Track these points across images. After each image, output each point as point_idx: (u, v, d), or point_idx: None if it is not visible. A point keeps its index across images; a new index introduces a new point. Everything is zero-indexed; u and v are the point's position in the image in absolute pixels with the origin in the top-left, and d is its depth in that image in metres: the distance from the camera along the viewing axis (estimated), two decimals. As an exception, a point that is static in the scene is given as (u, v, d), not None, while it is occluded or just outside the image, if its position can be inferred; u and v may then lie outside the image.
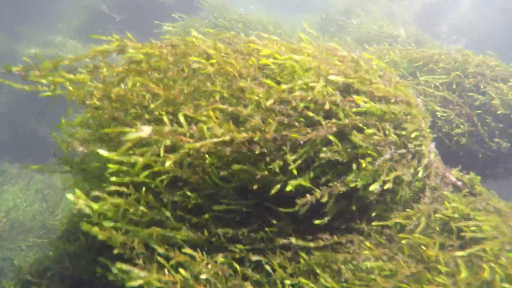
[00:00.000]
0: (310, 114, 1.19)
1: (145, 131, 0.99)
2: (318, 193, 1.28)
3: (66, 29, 8.96)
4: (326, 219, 1.36)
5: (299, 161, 1.20)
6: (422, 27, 8.87)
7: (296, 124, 1.20)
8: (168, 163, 1.04)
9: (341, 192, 1.32)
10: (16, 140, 7.21)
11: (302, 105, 1.23)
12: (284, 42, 1.53)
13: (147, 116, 1.24)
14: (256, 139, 1.15)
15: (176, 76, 1.28)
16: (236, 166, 1.12)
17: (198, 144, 1.05)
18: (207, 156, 1.21)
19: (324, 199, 1.31)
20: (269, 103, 1.15)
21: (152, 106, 1.26)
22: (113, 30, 8.79)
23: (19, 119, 7.26)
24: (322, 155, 1.22)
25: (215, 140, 1.07)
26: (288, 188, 1.26)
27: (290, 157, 1.19)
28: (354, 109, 1.32)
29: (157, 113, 1.24)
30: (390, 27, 5.35)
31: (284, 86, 1.21)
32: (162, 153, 1.05)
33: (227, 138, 1.08)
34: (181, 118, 1.11)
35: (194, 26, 5.13)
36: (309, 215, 1.39)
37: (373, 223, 1.50)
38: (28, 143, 7.15)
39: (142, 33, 9.37)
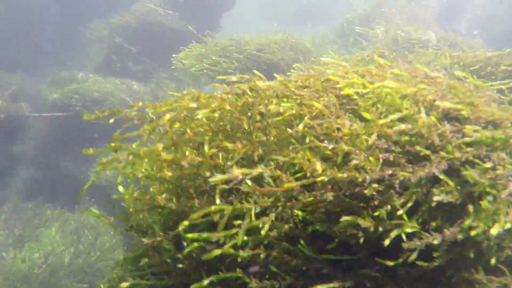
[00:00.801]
0: (419, 148, 0.99)
1: (234, 173, 0.86)
2: (429, 237, 1.06)
3: (86, 64, 9.16)
4: (434, 264, 1.14)
5: (409, 204, 0.99)
6: (442, 26, 8.58)
7: (402, 161, 1.00)
8: (264, 231, 0.86)
9: (458, 240, 1.09)
10: (47, 180, 7.27)
11: (405, 139, 1.03)
12: (358, 68, 1.34)
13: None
14: (360, 180, 0.95)
15: (251, 128, 1.12)
16: (344, 219, 0.93)
17: (295, 184, 0.87)
18: (299, 212, 1.02)
19: (437, 241, 1.09)
20: (372, 139, 0.96)
21: (229, 164, 1.09)
22: (129, 62, 8.94)
23: (48, 160, 7.34)
24: (435, 198, 1.01)
25: (315, 179, 0.89)
26: (394, 234, 1.05)
27: (398, 201, 0.98)
28: (462, 140, 1.10)
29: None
30: (418, 32, 5.11)
31: (382, 121, 1.01)
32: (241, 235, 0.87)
33: (328, 175, 0.90)
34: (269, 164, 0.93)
35: (208, 54, 4.99)
36: (411, 272, 1.17)
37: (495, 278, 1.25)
38: (58, 183, 7.19)
39: (159, 62, 9.43)
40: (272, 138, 1.16)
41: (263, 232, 0.90)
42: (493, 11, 11.46)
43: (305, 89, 1.33)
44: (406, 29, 5.31)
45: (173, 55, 4.89)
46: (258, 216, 1.06)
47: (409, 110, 1.04)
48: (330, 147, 0.98)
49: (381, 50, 2.93)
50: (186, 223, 1.08)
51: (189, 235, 1.10)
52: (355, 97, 1.21)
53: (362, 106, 1.18)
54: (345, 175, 0.94)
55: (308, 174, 0.99)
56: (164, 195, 1.11)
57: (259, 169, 0.95)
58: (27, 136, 7.52)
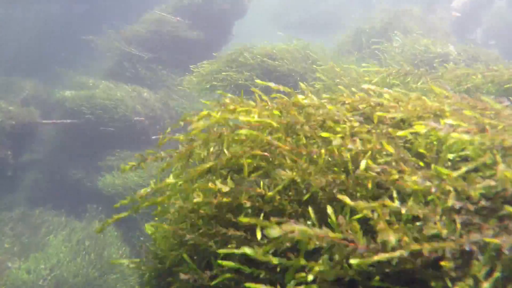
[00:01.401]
0: (509, 209, 0.84)
1: (291, 227, 0.74)
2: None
3: (98, 70, 9.13)
4: None
5: (496, 275, 0.84)
6: (457, 35, 8.40)
7: (482, 224, 0.85)
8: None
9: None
10: (55, 187, 7.19)
11: (478, 193, 0.89)
12: (402, 97, 1.21)
13: (267, 208, 0.94)
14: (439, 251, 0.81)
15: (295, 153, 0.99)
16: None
17: (376, 258, 0.73)
18: (354, 262, 0.88)
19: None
20: (451, 201, 0.82)
21: (269, 194, 0.96)
22: (140, 69, 8.90)
23: (56, 167, 7.27)
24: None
25: (393, 254, 0.75)
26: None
27: (478, 268, 0.83)
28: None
29: (276, 203, 0.94)
30: (437, 46, 4.94)
31: (456, 173, 0.87)
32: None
33: (404, 248, 0.76)
34: (329, 210, 0.80)
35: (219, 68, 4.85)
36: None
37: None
38: (66, 190, 7.11)
39: (169, 69, 9.36)
40: (320, 166, 1.03)
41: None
42: (509, 20, 11.24)
43: (355, 115, 1.20)
44: (424, 43, 5.15)
45: (184, 80, 4.79)
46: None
47: (483, 158, 0.90)
48: (403, 211, 0.83)
49: (407, 69, 2.78)
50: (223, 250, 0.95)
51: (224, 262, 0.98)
52: (410, 137, 1.07)
53: (420, 144, 1.04)
54: (426, 246, 0.79)
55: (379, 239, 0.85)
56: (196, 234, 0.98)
57: (329, 233, 0.81)
58: (36, 142, 7.48)
